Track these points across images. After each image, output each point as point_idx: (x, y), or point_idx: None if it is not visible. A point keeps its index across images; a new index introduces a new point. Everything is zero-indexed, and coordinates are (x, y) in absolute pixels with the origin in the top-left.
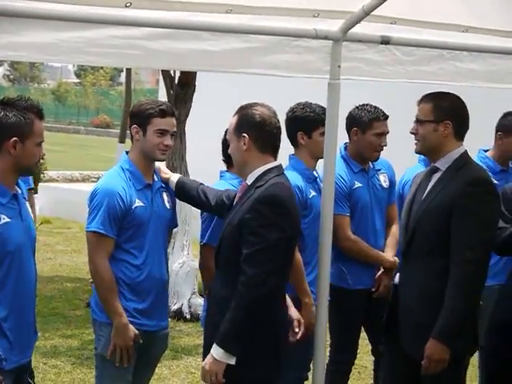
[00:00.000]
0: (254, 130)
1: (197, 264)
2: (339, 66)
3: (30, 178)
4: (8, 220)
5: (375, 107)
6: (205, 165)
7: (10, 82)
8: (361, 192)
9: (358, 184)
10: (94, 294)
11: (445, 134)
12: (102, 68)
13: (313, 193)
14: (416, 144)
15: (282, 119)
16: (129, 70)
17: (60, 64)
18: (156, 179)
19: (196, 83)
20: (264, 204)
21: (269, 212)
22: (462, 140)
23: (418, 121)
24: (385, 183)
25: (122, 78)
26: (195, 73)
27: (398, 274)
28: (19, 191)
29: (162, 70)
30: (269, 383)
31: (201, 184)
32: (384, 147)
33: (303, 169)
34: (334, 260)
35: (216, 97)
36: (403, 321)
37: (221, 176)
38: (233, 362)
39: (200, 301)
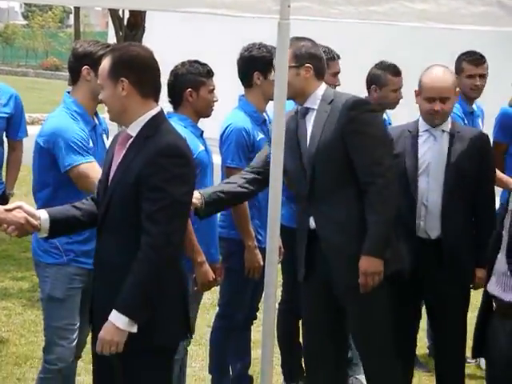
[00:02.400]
0: (134, 73)
1: None
2: (289, 6)
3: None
4: None
5: (327, 47)
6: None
7: None
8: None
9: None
10: (35, 236)
11: (306, 78)
12: (50, 9)
13: (260, 135)
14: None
15: (230, 60)
16: (77, 12)
17: (7, 5)
18: (97, 122)
19: (145, 24)
20: (165, 156)
21: (171, 165)
22: (323, 79)
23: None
24: None
25: (71, 20)
26: (144, 14)
27: (311, 218)
28: None
29: (111, 11)
30: (174, 350)
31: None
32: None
33: (252, 111)
34: (285, 202)
35: (166, 38)
36: (331, 257)
37: (168, 117)
38: (135, 329)
39: None
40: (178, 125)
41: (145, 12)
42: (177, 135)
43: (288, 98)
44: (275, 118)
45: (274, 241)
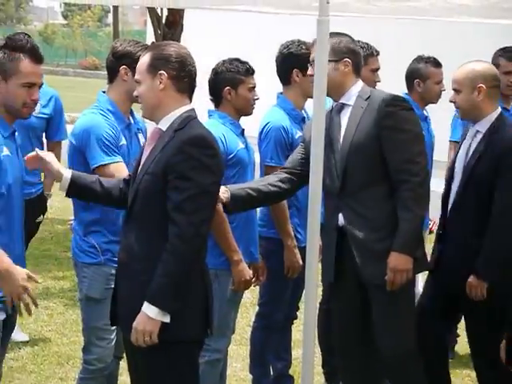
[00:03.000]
0: (172, 68)
1: None
2: (328, 2)
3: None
4: (9, 154)
5: (367, 43)
6: (193, 104)
7: None
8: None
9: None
10: (75, 235)
11: (346, 72)
12: (89, 9)
13: (299, 133)
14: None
15: (268, 56)
16: (116, 11)
17: (46, 5)
18: (132, 121)
19: (183, 23)
20: (193, 145)
21: (199, 154)
22: (359, 76)
23: (456, 90)
24: None
25: (110, 19)
26: (182, 12)
27: (340, 215)
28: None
29: (149, 10)
30: (198, 345)
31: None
32: (378, 83)
33: (290, 109)
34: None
35: (204, 36)
36: (360, 255)
37: (209, 115)
38: (168, 320)
39: None
40: (218, 122)
41: (183, 10)
42: (205, 129)
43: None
44: (315, 116)
45: (313, 240)
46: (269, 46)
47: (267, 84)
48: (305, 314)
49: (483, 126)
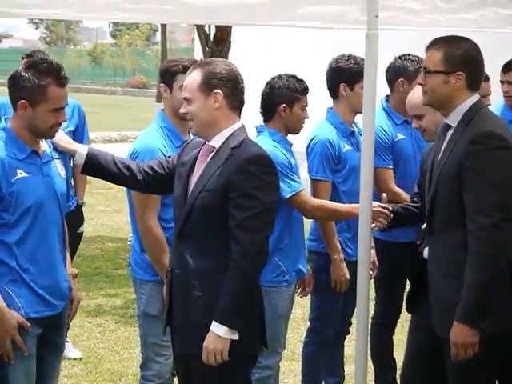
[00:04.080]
0: (227, 87)
1: None
2: (377, 16)
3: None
4: (25, 175)
5: (417, 57)
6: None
7: (46, 45)
8: (403, 144)
9: (400, 136)
10: (134, 252)
11: (456, 87)
12: (137, 28)
13: (347, 147)
14: (424, 96)
15: (317, 74)
16: (164, 29)
17: (96, 25)
18: (192, 137)
19: (231, 40)
20: (255, 164)
21: (261, 172)
22: (477, 90)
23: (426, 70)
24: None
25: (158, 37)
26: (230, 29)
27: (426, 248)
28: (46, 149)
29: (197, 27)
30: (251, 359)
31: (114, 156)
32: None
33: (338, 123)
34: None
35: (252, 53)
36: (433, 299)
37: (259, 132)
38: (236, 337)
39: None
40: (269, 139)
41: (231, 27)
42: (261, 147)
43: (427, 105)
44: (364, 129)
45: (364, 253)
46: (318, 61)
47: (317, 99)
48: (357, 329)
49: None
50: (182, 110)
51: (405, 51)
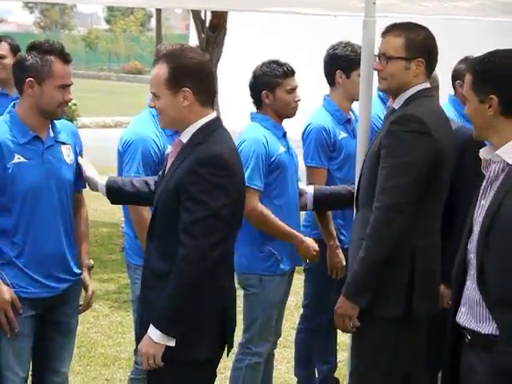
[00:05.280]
0: (195, 81)
1: None
2: (374, 3)
3: None
4: (24, 160)
5: None
6: (237, 108)
7: (41, 29)
8: None
9: None
10: (128, 238)
11: (416, 73)
12: (132, 13)
13: (343, 134)
14: (380, 82)
15: (313, 61)
16: (159, 15)
17: (90, 11)
18: None
19: (227, 26)
20: (205, 166)
21: (210, 175)
22: (430, 77)
23: (386, 56)
24: None
25: (153, 23)
26: (226, 15)
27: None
28: (50, 134)
29: (193, 13)
30: (210, 364)
31: (132, 178)
32: None
33: (334, 110)
34: None
35: (247, 39)
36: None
37: (252, 118)
38: (172, 343)
39: None
40: (260, 125)
41: (227, 13)
42: (226, 145)
43: (384, 91)
44: (360, 117)
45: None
46: (315, 48)
47: (314, 87)
48: None
49: None
50: (151, 104)
51: None
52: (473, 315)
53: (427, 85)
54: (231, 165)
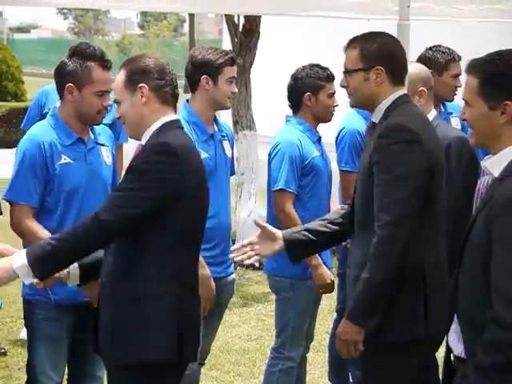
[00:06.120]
0: (152, 79)
1: (264, 213)
2: (408, 6)
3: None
4: (70, 161)
5: (448, 48)
6: (270, 112)
7: (74, 35)
8: None
9: None
10: None
11: (377, 82)
12: (165, 19)
13: None
14: (349, 98)
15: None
16: (192, 20)
17: (124, 16)
18: (216, 129)
19: (260, 31)
20: (153, 152)
21: (157, 160)
22: (402, 84)
23: (346, 71)
24: (457, 127)
25: (186, 28)
26: (259, 20)
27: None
28: (90, 136)
29: (226, 18)
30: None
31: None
32: (459, 88)
33: (367, 113)
34: None
35: (280, 44)
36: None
37: (287, 121)
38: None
39: None
40: (295, 128)
41: (260, 18)
42: (174, 136)
43: (355, 107)
44: None
45: None
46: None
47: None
48: None
49: None
50: (115, 115)
51: (435, 42)
52: (456, 333)
53: (401, 92)
54: (178, 152)
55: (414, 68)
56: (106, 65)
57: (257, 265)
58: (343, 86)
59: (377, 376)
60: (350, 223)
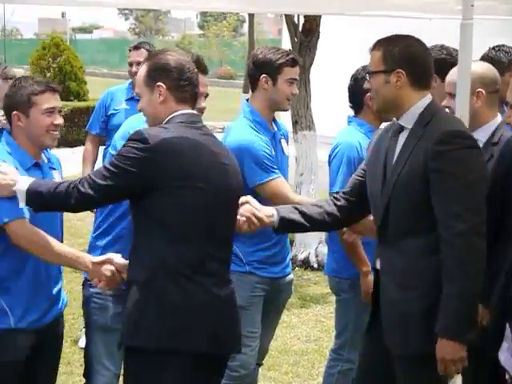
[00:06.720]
0: (170, 78)
1: None
2: (472, 5)
3: None
4: None
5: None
6: (330, 112)
7: (135, 35)
8: None
9: None
10: None
11: (398, 86)
12: (224, 19)
13: None
14: (372, 102)
15: None
16: (252, 20)
17: (184, 16)
18: (275, 128)
19: (320, 30)
20: (128, 138)
21: (130, 144)
22: (427, 89)
23: (369, 73)
24: None
25: (245, 28)
26: (319, 19)
27: (378, 260)
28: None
29: (286, 18)
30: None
31: None
32: None
33: None
34: None
35: (340, 43)
36: (385, 312)
37: (349, 122)
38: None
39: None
40: (356, 129)
41: (320, 17)
42: (172, 129)
43: (378, 111)
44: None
45: None
46: None
47: None
48: None
49: (481, 135)
50: (138, 107)
51: (496, 42)
52: (510, 352)
53: (430, 97)
54: (149, 141)
55: (479, 67)
56: (203, 69)
57: (315, 265)
58: (368, 89)
59: None
60: (346, 218)
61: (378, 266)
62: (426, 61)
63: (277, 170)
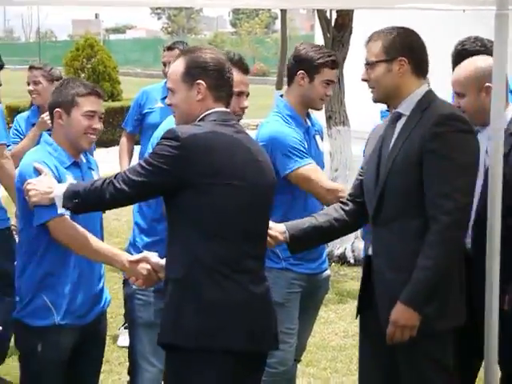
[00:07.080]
0: (210, 77)
1: None
2: None
3: None
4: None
5: None
6: (364, 107)
7: (168, 35)
8: None
9: None
10: None
11: (401, 73)
12: (257, 16)
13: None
14: (372, 92)
15: (442, 56)
16: (284, 17)
17: (216, 14)
18: (310, 124)
19: (352, 25)
20: (162, 137)
21: (163, 144)
22: (424, 77)
23: (368, 64)
24: None
25: (277, 25)
26: (352, 14)
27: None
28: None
29: (319, 13)
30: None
31: None
32: None
33: None
34: None
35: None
36: (380, 296)
37: (382, 116)
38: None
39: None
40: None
41: (352, 12)
42: (205, 126)
43: (377, 101)
44: (493, 115)
45: (493, 243)
46: (442, 45)
47: (442, 83)
48: (486, 320)
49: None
50: (166, 102)
51: None
52: None
53: (426, 87)
54: (182, 139)
55: (483, 62)
56: (244, 68)
57: (351, 261)
58: (364, 80)
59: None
60: (355, 221)
61: (370, 251)
62: (424, 49)
63: (309, 158)
